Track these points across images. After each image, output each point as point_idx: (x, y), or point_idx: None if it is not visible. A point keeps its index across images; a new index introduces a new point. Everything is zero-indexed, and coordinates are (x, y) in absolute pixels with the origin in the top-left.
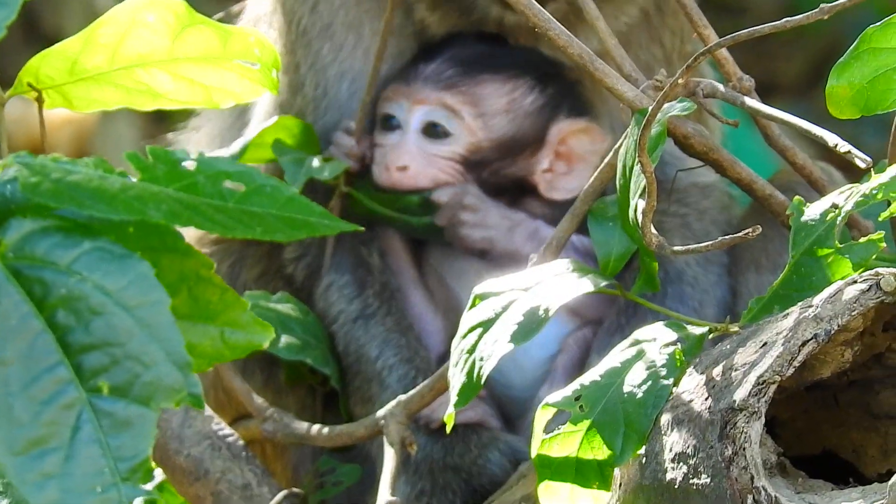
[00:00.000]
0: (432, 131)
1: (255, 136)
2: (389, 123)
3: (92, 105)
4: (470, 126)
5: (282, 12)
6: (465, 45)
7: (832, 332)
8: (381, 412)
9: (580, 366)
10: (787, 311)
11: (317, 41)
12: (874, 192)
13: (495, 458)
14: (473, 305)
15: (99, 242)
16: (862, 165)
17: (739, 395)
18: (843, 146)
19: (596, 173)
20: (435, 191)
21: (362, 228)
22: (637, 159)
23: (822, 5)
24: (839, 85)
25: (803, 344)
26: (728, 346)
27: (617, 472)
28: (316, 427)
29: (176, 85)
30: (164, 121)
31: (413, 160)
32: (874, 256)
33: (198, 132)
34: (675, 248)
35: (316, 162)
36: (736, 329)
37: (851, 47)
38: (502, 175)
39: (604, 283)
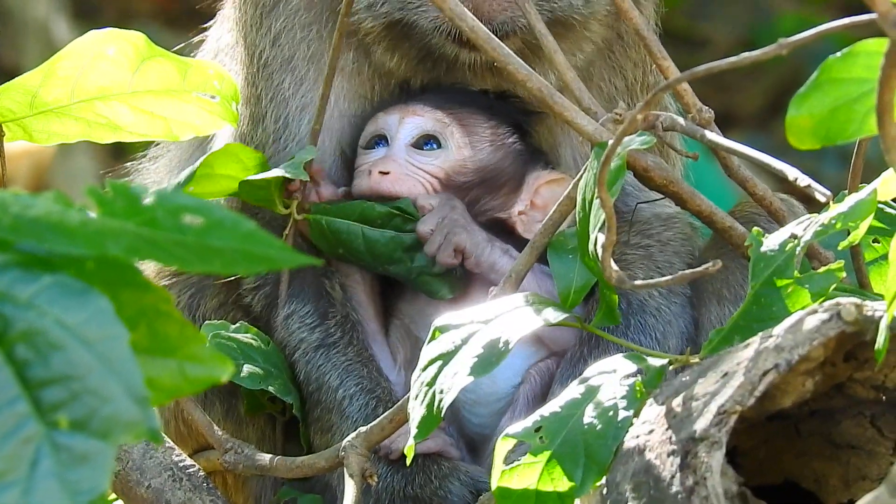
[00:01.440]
0: (422, 144)
1: (202, 164)
2: (375, 143)
3: (52, 138)
4: (458, 142)
5: (243, 45)
6: (449, 88)
7: (793, 361)
8: (341, 444)
9: (542, 396)
10: (747, 342)
11: (278, 74)
12: (833, 221)
13: (456, 488)
14: (433, 338)
15: (58, 277)
16: (822, 199)
17: (700, 425)
18: (803, 180)
19: (555, 206)
20: (416, 200)
21: (321, 261)
22: (596, 193)
23: (780, 40)
24: (799, 115)
25: (764, 374)
26: (688, 377)
27: (577, 502)
28: (277, 458)
29: (136, 117)
30: (122, 152)
31: (397, 167)
32: (834, 286)
33: (156, 162)
34: (635, 282)
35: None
36: (696, 360)
37: (812, 77)
38: (480, 207)
39: (564, 316)
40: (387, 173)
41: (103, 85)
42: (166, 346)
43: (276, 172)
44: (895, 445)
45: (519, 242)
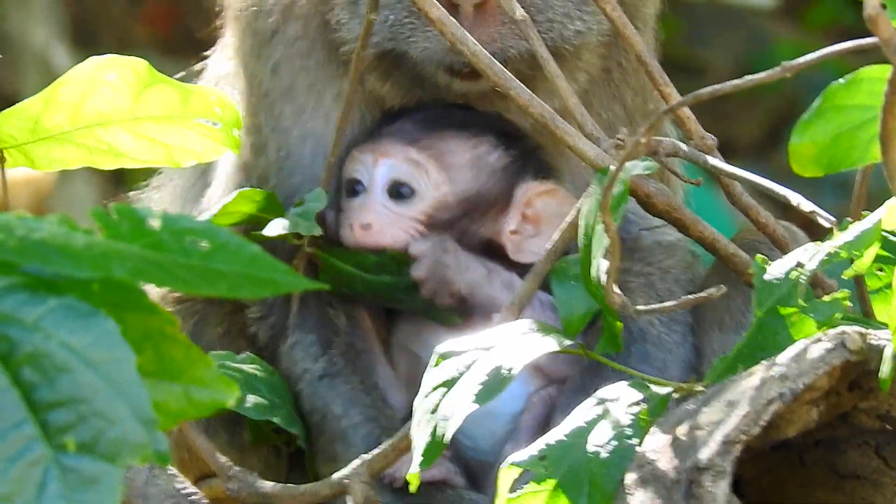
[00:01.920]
0: (397, 192)
1: (221, 208)
2: (354, 189)
3: (54, 164)
4: (435, 180)
5: (244, 74)
6: (426, 108)
7: (798, 391)
8: (344, 471)
9: (545, 424)
10: (751, 371)
11: (278, 104)
12: (838, 250)
13: None
14: (436, 365)
15: (64, 299)
16: (826, 224)
17: (705, 454)
18: (807, 205)
19: (558, 232)
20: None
21: (327, 286)
22: (600, 219)
23: (783, 63)
24: (802, 143)
25: (769, 402)
26: (692, 406)
27: None
28: (280, 486)
29: (137, 144)
30: (122, 180)
31: (377, 218)
32: (839, 315)
33: (159, 191)
34: (639, 307)
35: (295, 210)
36: (700, 389)
37: (815, 104)
38: (470, 235)
39: (567, 343)
40: (368, 226)
41: (104, 111)
42: (172, 370)
43: (287, 225)
44: None
45: (514, 265)
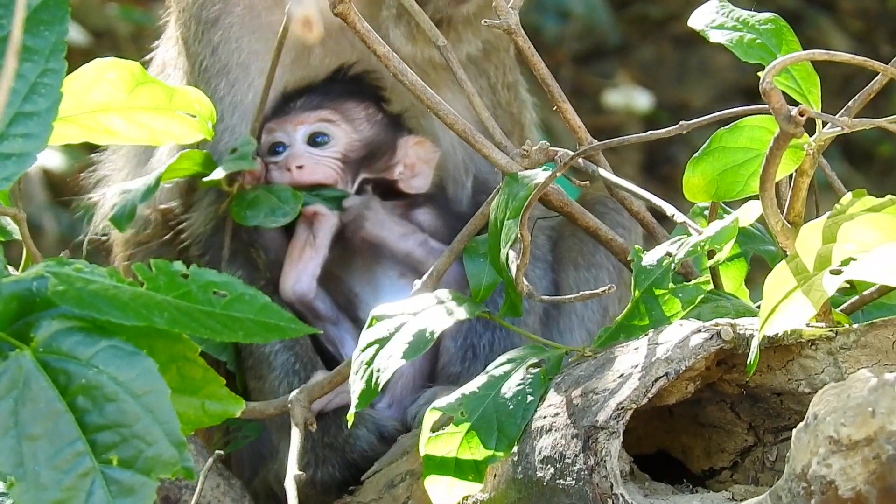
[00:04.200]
0: (314, 141)
1: (168, 167)
2: (276, 150)
3: (60, 139)
4: (345, 129)
5: (186, 56)
6: (320, 86)
7: (680, 371)
8: (288, 396)
9: None
10: (635, 344)
11: (214, 79)
12: (701, 244)
13: (363, 434)
14: (371, 325)
15: (113, 341)
16: (694, 234)
17: (602, 417)
18: (679, 217)
19: (472, 220)
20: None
21: (321, 331)
22: (510, 214)
23: (681, 122)
24: (694, 176)
25: (656, 380)
26: (586, 371)
27: (492, 467)
28: None
29: (128, 127)
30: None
31: (307, 161)
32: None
33: (115, 153)
34: (542, 297)
35: (231, 156)
36: (589, 354)
37: (705, 145)
38: (373, 170)
39: (480, 310)
40: (301, 167)
41: (103, 101)
42: (192, 387)
43: (229, 167)
44: (749, 426)
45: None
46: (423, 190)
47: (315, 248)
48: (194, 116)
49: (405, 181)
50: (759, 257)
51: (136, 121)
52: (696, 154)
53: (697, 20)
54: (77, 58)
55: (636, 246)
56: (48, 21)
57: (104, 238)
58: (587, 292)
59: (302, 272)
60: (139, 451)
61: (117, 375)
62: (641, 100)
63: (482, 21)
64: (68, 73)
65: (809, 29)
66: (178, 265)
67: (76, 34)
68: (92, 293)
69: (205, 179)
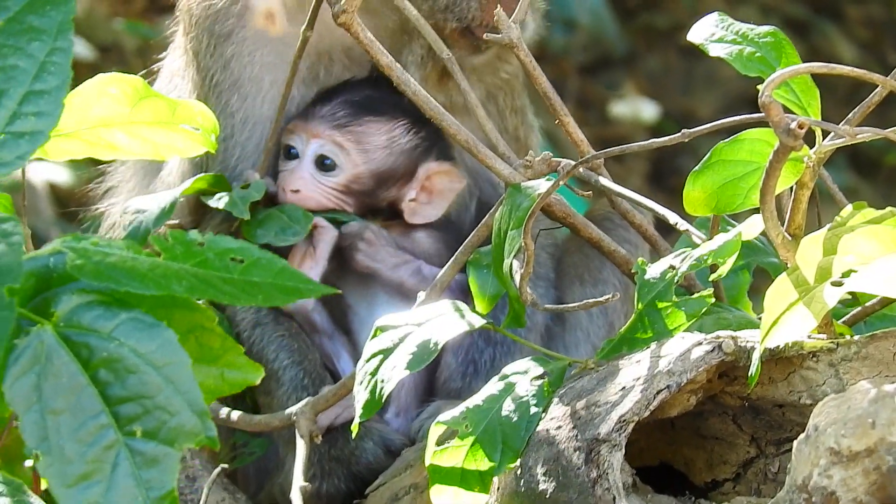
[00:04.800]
0: (322, 164)
1: (185, 189)
2: (290, 153)
3: (63, 154)
4: (354, 160)
5: (196, 68)
6: (355, 89)
7: (682, 384)
8: (293, 409)
9: None
10: (637, 357)
11: (226, 94)
12: (704, 257)
13: (369, 447)
14: (375, 335)
15: (133, 313)
16: (698, 243)
17: (604, 429)
18: (682, 225)
19: (475, 232)
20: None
21: (339, 291)
22: (513, 224)
23: (683, 130)
24: (694, 189)
25: (658, 392)
26: (588, 383)
27: (495, 479)
28: (238, 413)
29: (131, 141)
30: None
31: (304, 185)
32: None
33: (123, 164)
34: (546, 306)
35: (239, 191)
36: (592, 366)
37: (705, 158)
38: (378, 199)
39: (484, 321)
40: (296, 191)
41: (106, 116)
42: (210, 356)
43: (226, 203)
44: (751, 438)
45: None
46: (430, 220)
47: (315, 260)
48: (198, 130)
49: (413, 210)
50: (762, 269)
51: (139, 135)
52: (696, 167)
53: (697, 34)
54: (83, 72)
55: (640, 259)
56: (54, 1)
57: None
58: (591, 301)
59: None
60: (162, 422)
61: (138, 347)
62: (648, 110)
63: (484, 35)
64: (73, 87)
65: (816, 37)
66: (195, 234)
67: (82, 49)
68: (110, 265)
69: (210, 204)
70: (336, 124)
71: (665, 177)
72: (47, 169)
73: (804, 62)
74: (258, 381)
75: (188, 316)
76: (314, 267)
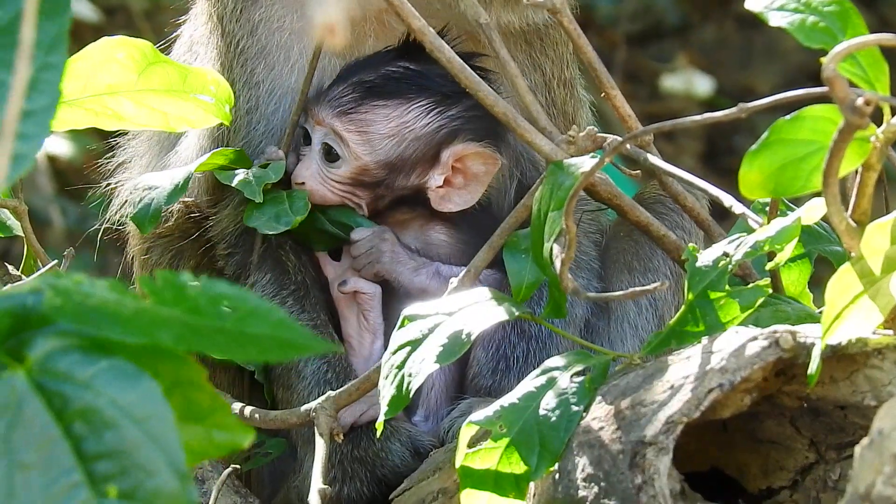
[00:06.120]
0: (327, 154)
1: (201, 164)
2: (307, 137)
3: (65, 124)
4: (354, 152)
5: (220, 34)
6: (373, 67)
7: (736, 382)
8: (312, 404)
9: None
10: (688, 352)
11: (251, 61)
12: (761, 243)
13: (396, 448)
14: (402, 325)
15: (113, 361)
16: (755, 227)
17: (650, 431)
18: (738, 208)
19: (513, 213)
20: (353, 231)
21: (342, 350)
22: (554, 205)
23: (739, 105)
24: (751, 171)
25: (709, 391)
26: (633, 380)
27: (532, 485)
28: (253, 409)
29: (139, 111)
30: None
31: (310, 178)
32: (761, 298)
33: (136, 138)
34: (589, 294)
35: (257, 170)
36: (638, 361)
37: (763, 137)
38: (396, 189)
39: (520, 310)
40: (301, 184)
41: (112, 83)
42: (198, 414)
43: (241, 180)
44: (810, 442)
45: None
46: (465, 206)
47: (372, 331)
48: (211, 99)
49: (442, 196)
50: (824, 258)
51: (148, 104)
52: (753, 147)
53: (756, 1)
54: (87, 35)
55: (691, 245)
56: (49, 11)
57: (119, 229)
58: (637, 289)
59: (369, 360)
60: (140, 483)
61: (117, 398)
62: (702, 84)
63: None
64: (77, 52)
65: (885, 7)
66: (186, 276)
67: (87, 10)
68: (91, 308)
69: (222, 181)
70: (339, 111)
71: (720, 157)
72: (47, 140)
73: (872, 33)
74: (245, 445)
75: (174, 368)
76: (375, 339)
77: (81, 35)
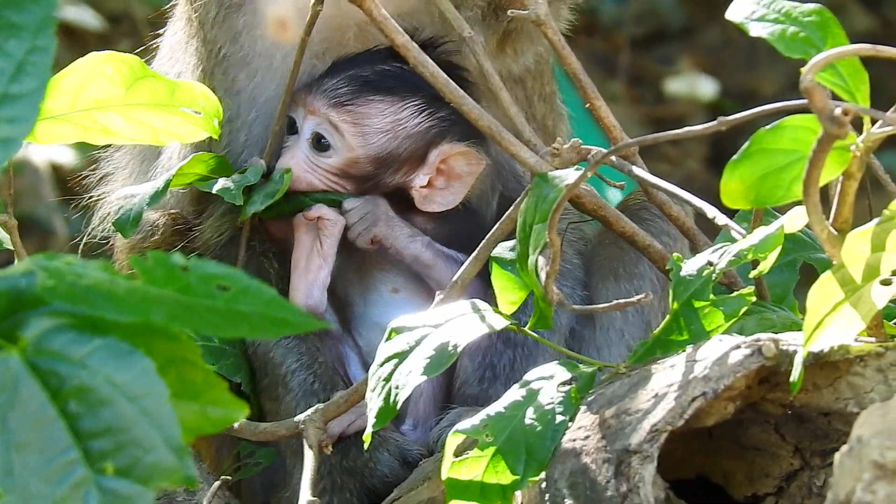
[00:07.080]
0: (317, 143)
1: (178, 170)
2: (292, 126)
3: (53, 139)
4: (348, 143)
5: (201, 40)
6: (368, 63)
7: (719, 390)
8: (301, 417)
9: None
10: (672, 361)
11: (233, 69)
12: (744, 252)
13: (385, 458)
14: (389, 338)
15: (107, 339)
16: (738, 238)
17: (635, 439)
18: (721, 219)
19: (499, 224)
20: (345, 200)
21: (333, 326)
22: (538, 218)
23: (719, 118)
24: (732, 180)
25: (693, 399)
26: (618, 389)
27: (518, 493)
28: (243, 421)
29: (127, 125)
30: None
31: (297, 165)
32: (745, 307)
33: (119, 150)
34: (574, 306)
35: (237, 176)
36: (623, 370)
37: (743, 147)
38: (381, 185)
39: (507, 323)
40: (289, 171)
41: (100, 97)
42: (192, 391)
43: (221, 187)
44: (795, 448)
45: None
46: (447, 207)
47: (323, 257)
48: (199, 113)
49: (426, 196)
50: (810, 265)
51: (136, 118)
52: (734, 157)
53: (737, 12)
54: (92, 44)
55: (676, 254)
56: None
57: (105, 242)
58: (621, 301)
59: (312, 284)
60: (136, 459)
61: (112, 376)
62: (706, 88)
63: (508, 11)
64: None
65: (889, 9)
66: (178, 257)
67: (91, 19)
68: (84, 288)
69: (202, 189)
70: (335, 101)
71: (726, 160)
72: (49, 148)
73: (875, 36)
74: (240, 419)
75: (168, 346)
76: (323, 266)
77: (86, 43)
